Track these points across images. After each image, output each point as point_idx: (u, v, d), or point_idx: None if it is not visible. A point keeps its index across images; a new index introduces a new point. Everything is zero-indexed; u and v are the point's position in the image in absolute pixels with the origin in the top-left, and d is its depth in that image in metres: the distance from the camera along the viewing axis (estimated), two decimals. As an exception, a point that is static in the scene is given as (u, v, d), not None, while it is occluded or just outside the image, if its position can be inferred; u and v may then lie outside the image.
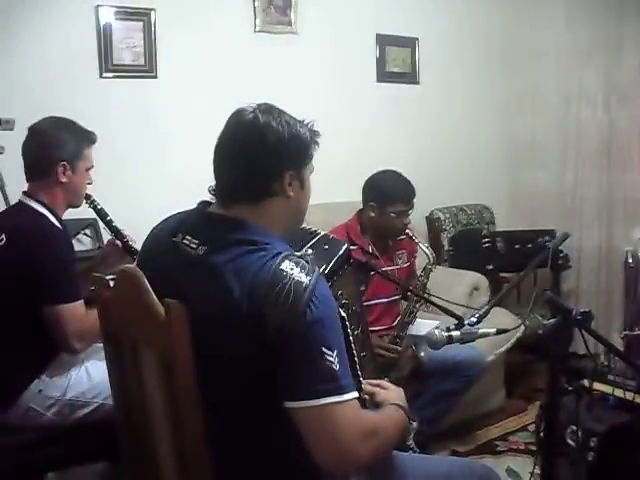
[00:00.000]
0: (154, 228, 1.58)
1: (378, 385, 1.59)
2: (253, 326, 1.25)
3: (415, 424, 1.54)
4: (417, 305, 2.83)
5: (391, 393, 1.57)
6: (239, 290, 1.27)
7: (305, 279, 1.27)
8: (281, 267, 1.28)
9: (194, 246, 1.39)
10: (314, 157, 1.54)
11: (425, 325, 2.83)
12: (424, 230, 4.29)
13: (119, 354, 1.58)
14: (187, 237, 1.42)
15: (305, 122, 1.52)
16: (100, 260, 2.61)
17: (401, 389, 1.61)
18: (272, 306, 1.24)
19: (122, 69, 3.42)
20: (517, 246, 4.02)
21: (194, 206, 1.53)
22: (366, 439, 1.31)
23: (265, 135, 1.41)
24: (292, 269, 1.28)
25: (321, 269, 1.37)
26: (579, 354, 3.73)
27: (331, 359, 1.25)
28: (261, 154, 1.41)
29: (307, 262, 1.31)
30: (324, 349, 1.25)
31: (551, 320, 1.64)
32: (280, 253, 1.32)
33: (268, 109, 1.46)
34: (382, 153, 4.03)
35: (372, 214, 2.89)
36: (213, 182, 1.51)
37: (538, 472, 1.86)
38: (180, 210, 1.57)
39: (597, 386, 2.46)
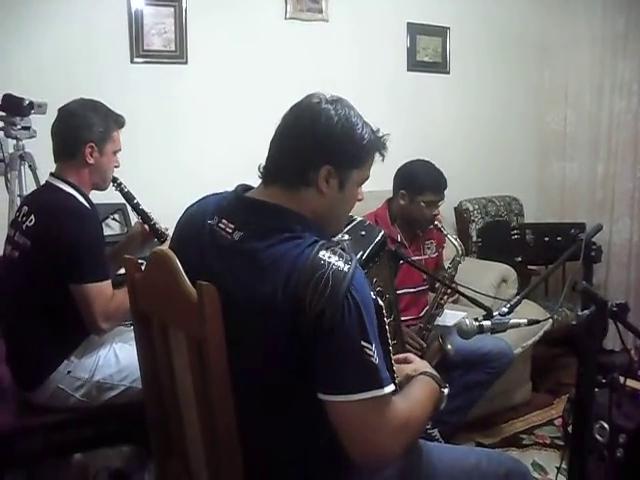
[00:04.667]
0: (189, 207, 1.56)
1: (405, 360, 1.58)
2: (289, 314, 1.24)
3: (447, 390, 1.52)
4: (445, 297, 2.80)
5: (418, 364, 1.58)
6: (275, 278, 1.26)
7: (344, 267, 1.24)
8: (319, 255, 1.26)
9: (230, 230, 1.37)
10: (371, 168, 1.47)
11: (452, 316, 2.81)
12: (452, 221, 4.26)
13: (149, 337, 1.57)
14: (223, 221, 1.40)
15: (377, 131, 1.46)
16: (126, 241, 2.60)
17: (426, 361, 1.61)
18: (311, 294, 1.22)
19: (153, 55, 3.43)
20: (546, 238, 3.97)
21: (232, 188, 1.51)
22: (399, 433, 1.30)
23: (317, 120, 1.36)
24: (330, 257, 1.25)
25: (358, 256, 1.35)
26: (606, 349, 3.70)
27: (370, 352, 1.23)
28: (306, 137, 1.37)
29: (344, 250, 1.29)
30: (363, 342, 1.23)
31: (585, 311, 1.61)
32: (317, 241, 1.30)
33: (337, 99, 1.42)
34: (411, 143, 3.99)
35: (402, 202, 2.87)
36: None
37: (565, 467, 1.83)
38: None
39: (627, 382, 2.42)
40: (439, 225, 2.87)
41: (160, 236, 2.49)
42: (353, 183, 1.44)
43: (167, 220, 2.51)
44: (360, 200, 1.52)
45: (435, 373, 1.54)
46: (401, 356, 1.59)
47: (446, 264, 3.00)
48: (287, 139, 1.41)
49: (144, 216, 2.51)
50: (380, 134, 1.47)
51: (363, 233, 1.58)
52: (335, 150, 1.38)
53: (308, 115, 1.38)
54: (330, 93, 1.44)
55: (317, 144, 1.37)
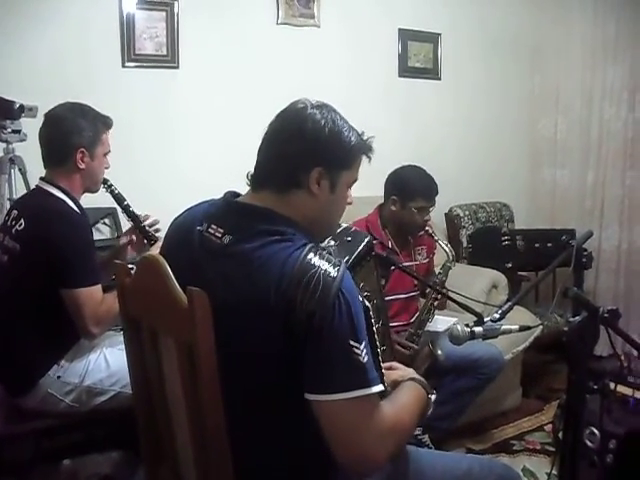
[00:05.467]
0: (178, 216, 1.57)
1: (389, 368, 1.58)
2: (281, 315, 1.24)
3: (434, 396, 1.52)
4: (435, 302, 2.80)
5: (406, 370, 1.59)
6: (266, 279, 1.26)
7: (333, 270, 1.25)
8: (308, 257, 1.27)
9: (219, 235, 1.38)
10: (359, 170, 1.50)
11: (443, 322, 2.81)
12: (443, 227, 4.27)
13: (139, 342, 1.56)
14: (212, 226, 1.40)
15: (362, 134, 1.49)
16: (114, 253, 2.55)
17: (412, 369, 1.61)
18: (302, 295, 1.23)
19: (144, 59, 3.43)
20: (537, 245, 3.98)
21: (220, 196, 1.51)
22: (386, 437, 1.30)
23: (304, 124, 1.39)
24: (319, 261, 1.27)
25: (344, 260, 1.35)
26: (595, 355, 3.72)
27: (358, 351, 1.24)
28: (294, 141, 1.39)
29: (331, 254, 1.30)
30: (352, 342, 1.24)
31: (576, 317, 1.61)
32: (306, 244, 1.31)
33: (321, 105, 1.44)
34: (402, 148, 4.00)
35: (393, 208, 2.88)
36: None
37: (555, 473, 1.84)
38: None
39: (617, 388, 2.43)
40: (430, 231, 2.88)
41: (150, 238, 2.48)
42: (343, 184, 1.46)
43: (160, 224, 2.51)
44: (350, 204, 1.53)
45: (422, 379, 1.54)
46: (386, 365, 1.59)
47: (437, 270, 3.00)
48: (275, 144, 1.42)
49: (134, 218, 2.50)
50: (365, 137, 1.50)
51: (349, 239, 1.59)
52: (324, 152, 1.40)
53: (295, 120, 1.41)
54: (315, 99, 1.46)
55: (306, 147, 1.39)
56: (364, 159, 1.50)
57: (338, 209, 1.51)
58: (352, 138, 1.44)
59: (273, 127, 1.44)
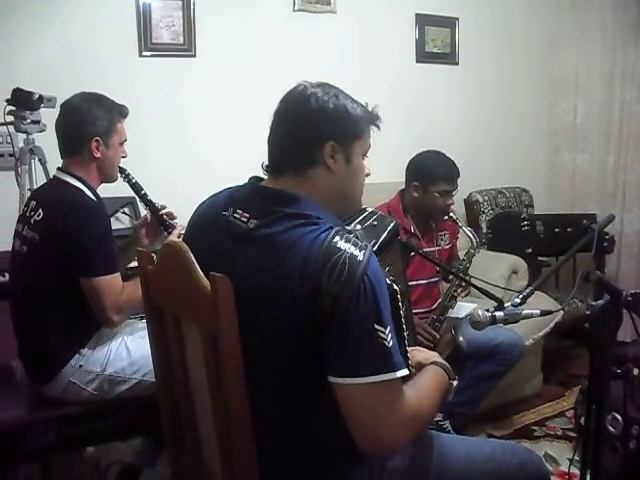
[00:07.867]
0: (202, 203, 1.57)
1: (414, 350, 1.59)
2: (306, 298, 1.24)
3: (456, 382, 1.52)
4: (459, 290, 2.79)
5: (429, 353, 1.59)
6: (291, 262, 1.26)
7: (359, 254, 1.25)
8: (334, 241, 1.27)
9: (245, 220, 1.38)
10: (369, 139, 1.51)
11: (464, 308, 2.80)
12: (462, 213, 4.24)
13: (162, 330, 1.57)
14: (238, 211, 1.41)
15: (366, 104, 1.51)
16: (129, 242, 2.53)
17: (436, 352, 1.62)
18: (327, 278, 1.23)
19: (161, 48, 3.43)
20: (557, 230, 3.96)
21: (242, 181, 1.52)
22: (407, 425, 1.30)
23: (308, 102, 1.42)
24: (345, 244, 1.27)
25: (371, 244, 1.35)
26: (618, 340, 3.68)
27: (383, 335, 1.24)
28: (302, 120, 1.42)
29: (357, 238, 1.30)
30: (376, 325, 1.24)
31: (598, 301, 1.59)
32: (332, 227, 1.31)
33: (322, 84, 1.47)
34: (420, 134, 3.99)
35: (415, 194, 2.86)
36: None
37: (577, 458, 1.82)
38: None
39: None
40: (454, 217, 2.85)
41: (167, 227, 2.48)
42: (357, 155, 1.48)
43: (176, 213, 2.51)
44: (368, 175, 1.54)
45: (445, 363, 1.54)
46: (410, 349, 1.59)
47: (460, 254, 2.99)
48: (284, 128, 1.44)
49: (152, 207, 2.50)
50: (370, 108, 1.52)
51: (375, 223, 1.59)
52: (333, 125, 1.42)
53: (299, 100, 1.44)
54: (315, 80, 1.49)
55: (314, 123, 1.41)
56: (374, 129, 1.52)
57: (358, 181, 1.52)
58: (357, 109, 1.47)
59: (279, 112, 1.46)
